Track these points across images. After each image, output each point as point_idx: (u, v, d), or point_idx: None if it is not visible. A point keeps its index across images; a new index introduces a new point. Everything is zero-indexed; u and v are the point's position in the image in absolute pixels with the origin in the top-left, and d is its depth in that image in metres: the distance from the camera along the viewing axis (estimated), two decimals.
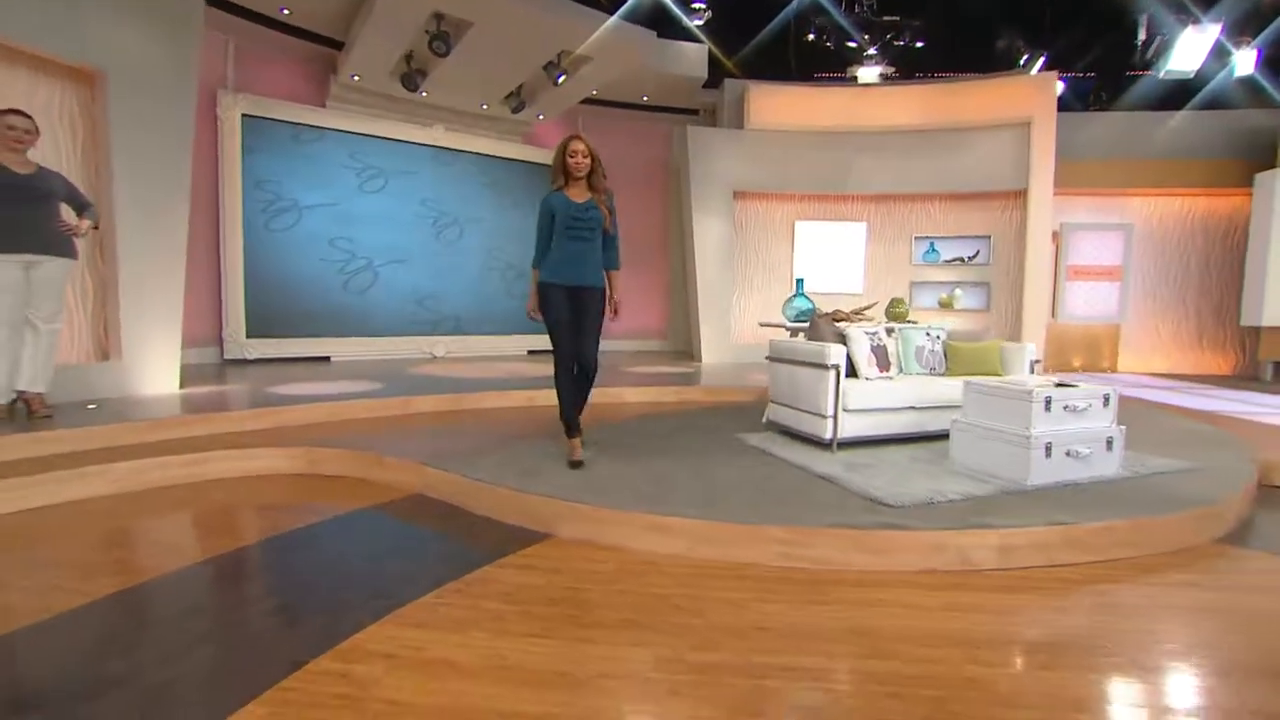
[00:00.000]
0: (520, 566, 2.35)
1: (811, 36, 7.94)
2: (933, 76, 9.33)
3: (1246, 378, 8.25)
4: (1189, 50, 6.80)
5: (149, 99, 4.46)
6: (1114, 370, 9.00)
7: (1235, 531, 2.77)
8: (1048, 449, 2.94)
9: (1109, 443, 3.11)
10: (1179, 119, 8.44)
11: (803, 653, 1.78)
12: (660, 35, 7.55)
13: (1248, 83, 7.67)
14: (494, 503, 2.87)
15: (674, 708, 1.53)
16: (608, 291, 3.29)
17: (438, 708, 1.50)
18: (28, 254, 3.48)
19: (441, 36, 6.09)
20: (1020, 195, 7.66)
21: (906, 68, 8.66)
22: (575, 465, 3.13)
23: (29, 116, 3.49)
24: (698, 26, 7.07)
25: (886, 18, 7.09)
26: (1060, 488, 2.91)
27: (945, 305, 8.31)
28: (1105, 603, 2.13)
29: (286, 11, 6.38)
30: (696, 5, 6.94)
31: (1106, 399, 3.15)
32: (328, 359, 7.51)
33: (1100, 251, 8.82)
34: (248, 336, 7.00)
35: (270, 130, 7.05)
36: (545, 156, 9.29)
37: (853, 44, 7.72)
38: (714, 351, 8.28)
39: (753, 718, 1.50)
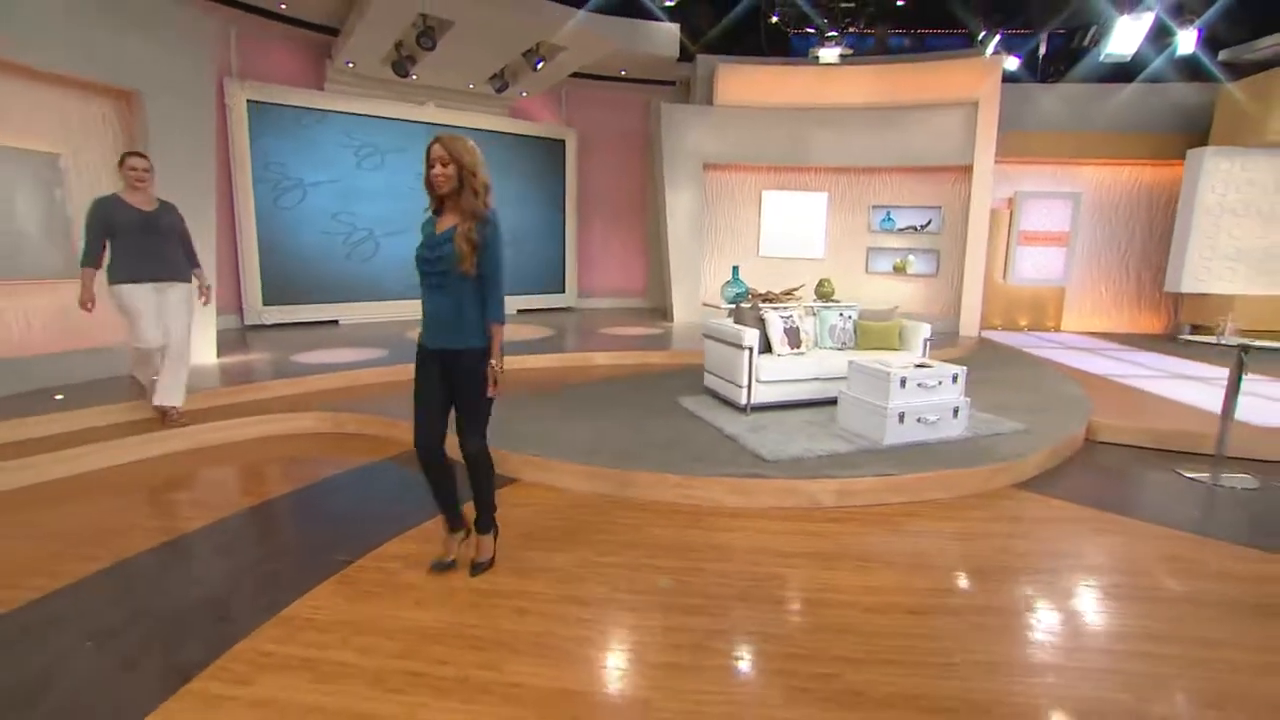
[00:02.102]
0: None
1: (774, 19, 8.35)
2: (894, 52, 9.76)
3: (1171, 337, 9.07)
4: (1125, 36, 7.27)
5: (176, 109, 5.14)
6: (1057, 329, 9.84)
7: (1033, 480, 3.69)
8: (901, 416, 3.83)
9: (955, 411, 4.01)
10: (1126, 93, 8.93)
11: (673, 557, 2.72)
12: (634, 14, 7.99)
13: (1190, 60, 8.13)
14: None
15: (582, 588, 2.47)
16: (491, 354, 2.34)
17: (439, 585, 2.45)
18: (158, 281, 3.92)
19: (427, 32, 6.63)
20: (968, 170, 8.27)
21: (870, 49, 9.09)
22: (440, 566, 2.51)
23: (145, 156, 3.89)
24: (668, 8, 7.52)
25: (844, 4, 7.51)
26: (909, 447, 3.80)
27: (899, 270, 9.06)
28: (899, 528, 3.07)
29: (283, 5, 6.88)
30: None
31: (955, 378, 4.02)
32: (336, 322, 8.37)
33: (1049, 218, 9.50)
34: (264, 304, 7.84)
35: (274, 114, 7.65)
36: (530, 129, 9.90)
37: (810, 29, 8.15)
38: (684, 312, 9.10)
39: (629, 593, 2.45)
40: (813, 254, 9.18)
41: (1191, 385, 5.79)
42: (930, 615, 2.32)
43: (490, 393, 2.38)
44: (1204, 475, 3.76)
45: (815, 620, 2.29)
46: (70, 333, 4.85)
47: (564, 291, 10.75)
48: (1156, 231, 9.45)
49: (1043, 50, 9.33)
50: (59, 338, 4.80)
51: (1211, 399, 4.93)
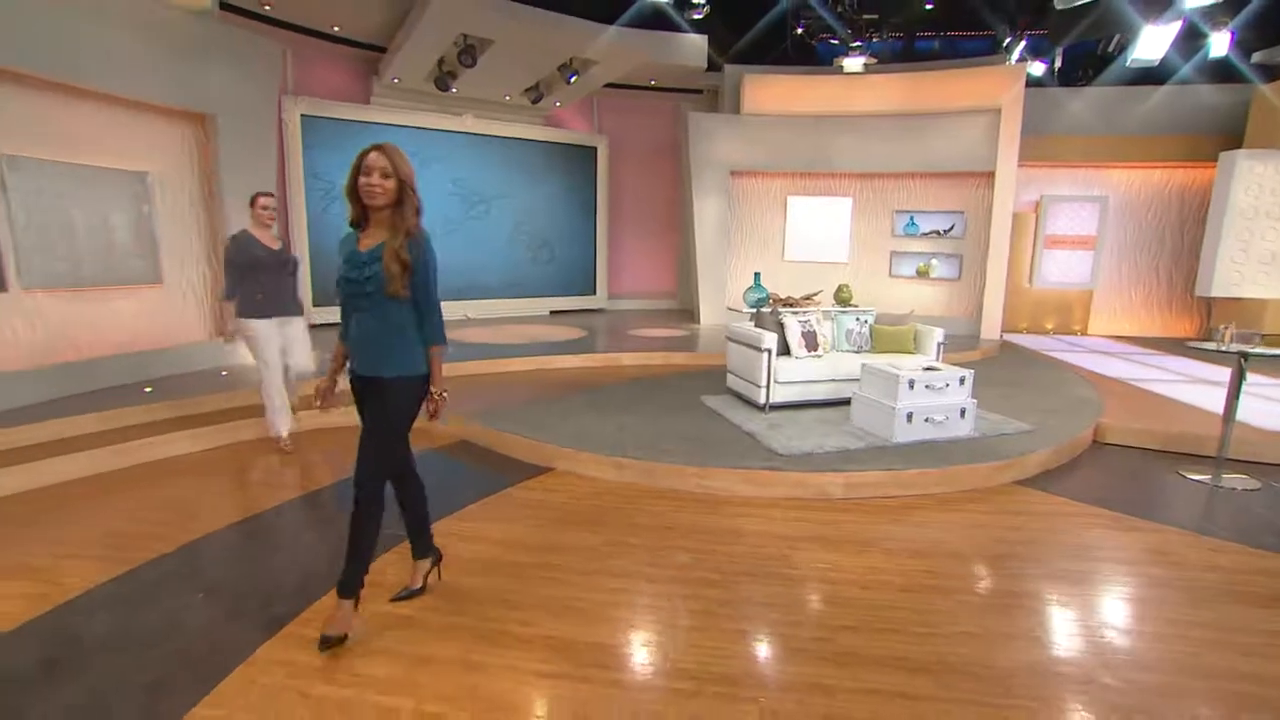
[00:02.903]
0: (530, 489, 3.64)
1: (799, 31, 8.56)
2: (923, 54, 9.87)
3: (1202, 341, 8.99)
4: (1152, 42, 7.29)
5: (243, 128, 5.65)
6: (1084, 333, 9.84)
7: (1035, 477, 3.90)
8: (909, 416, 4.07)
9: (962, 412, 4.23)
10: (1157, 96, 8.90)
11: (690, 539, 3.03)
12: (663, 27, 8.30)
13: (1222, 63, 8.08)
14: (513, 446, 4.16)
15: (609, 563, 2.81)
16: (432, 380, 2.20)
17: (480, 557, 2.81)
18: (283, 316, 4.12)
19: (468, 50, 7.06)
20: (990, 176, 8.37)
21: (893, 56, 9.23)
22: (327, 644, 2.10)
23: (274, 195, 4.13)
24: (696, 20, 7.81)
25: (866, 15, 7.70)
26: (917, 445, 4.05)
27: (922, 274, 9.19)
28: (901, 518, 3.32)
29: (337, 28, 7.39)
30: (696, 0, 7.64)
31: (962, 380, 4.24)
32: None
33: (1076, 222, 9.50)
34: (314, 305, 8.37)
35: (324, 127, 8.18)
36: (563, 136, 10.29)
37: (834, 40, 8.35)
38: (711, 315, 9.37)
39: (651, 567, 2.77)
40: (837, 258, 9.37)
41: (1212, 390, 5.85)
42: (920, 592, 2.59)
43: (431, 420, 2.25)
44: (1205, 476, 3.91)
45: (814, 594, 2.58)
46: (152, 334, 5.39)
47: (595, 293, 11.12)
48: (1189, 235, 9.38)
49: (1062, 58, 9.35)
50: (143, 338, 5.34)
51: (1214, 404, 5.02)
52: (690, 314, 10.33)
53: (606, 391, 5.51)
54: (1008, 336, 9.18)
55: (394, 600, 2.42)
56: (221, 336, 4.18)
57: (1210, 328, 9.27)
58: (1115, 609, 2.50)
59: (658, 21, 8.05)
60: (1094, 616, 2.44)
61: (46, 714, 1.85)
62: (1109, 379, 6.32)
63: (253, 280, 3.96)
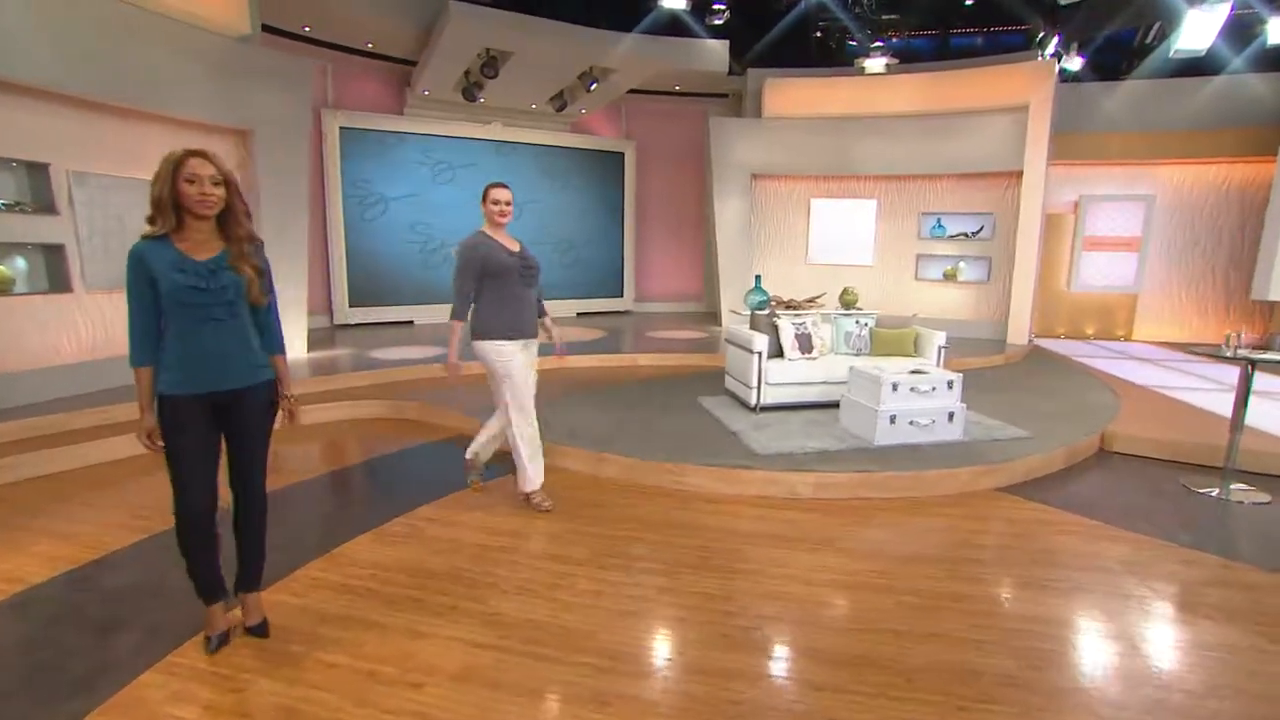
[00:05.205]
0: (513, 480, 3.83)
1: (818, 34, 8.51)
2: (956, 51, 9.62)
3: (1263, 348, 8.42)
4: (1197, 30, 6.91)
5: (279, 140, 6.12)
6: (1128, 338, 9.36)
7: (1021, 485, 3.82)
8: (892, 419, 4.07)
9: (950, 416, 4.18)
10: (1211, 86, 8.40)
11: (652, 532, 3.15)
12: (684, 33, 8.42)
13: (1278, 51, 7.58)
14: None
15: (568, 549, 2.96)
16: (279, 386, 2.19)
17: (449, 539, 3.01)
18: (529, 337, 3.27)
19: (490, 63, 7.39)
20: (1019, 175, 8.10)
21: (928, 54, 9.04)
22: (221, 641, 2.16)
23: (507, 186, 3.23)
24: (717, 25, 7.90)
25: (885, 16, 7.60)
26: (899, 448, 4.03)
27: (950, 277, 8.96)
28: (867, 520, 3.34)
29: (370, 45, 7.86)
30: (717, 6, 7.74)
31: (950, 383, 4.19)
32: (411, 323, 9.34)
33: (1118, 222, 9.06)
34: (350, 306, 8.90)
35: (362, 137, 8.69)
36: (591, 142, 10.54)
37: (853, 42, 8.26)
38: (733, 318, 9.40)
39: (605, 555, 2.91)
40: (862, 261, 9.25)
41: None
42: (862, 591, 2.64)
43: (288, 424, 2.24)
44: (1213, 489, 3.75)
45: (754, 588, 2.66)
46: None
47: (622, 296, 11.32)
48: (1250, 234, 8.79)
49: (1098, 51, 8.92)
50: None
51: (1254, 415, 4.74)
52: (712, 316, 10.38)
53: (611, 391, 5.68)
54: (1041, 341, 8.85)
55: (259, 635, 2.23)
56: (446, 372, 3.28)
57: (1271, 334, 8.67)
58: (1053, 616, 2.48)
59: (677, 28, 8.18)
60: (1027, 622, 2.43)
61: (87, 637, 2.16)
62: (1136, 386, 6.05)
63: (492, 293, 3.15)
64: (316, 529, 3.22)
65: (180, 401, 1.98)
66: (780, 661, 2.17)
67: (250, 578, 2.26)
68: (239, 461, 2.15)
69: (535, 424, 3.32)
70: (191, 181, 1.91)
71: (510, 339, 3.18)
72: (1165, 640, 2.33)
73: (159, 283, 1.91)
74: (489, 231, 3.22)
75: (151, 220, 1.94)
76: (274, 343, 2.19)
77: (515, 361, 3.18)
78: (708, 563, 2.85)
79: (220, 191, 1.97)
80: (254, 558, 2.26)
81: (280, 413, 2.21)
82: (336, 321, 8.88)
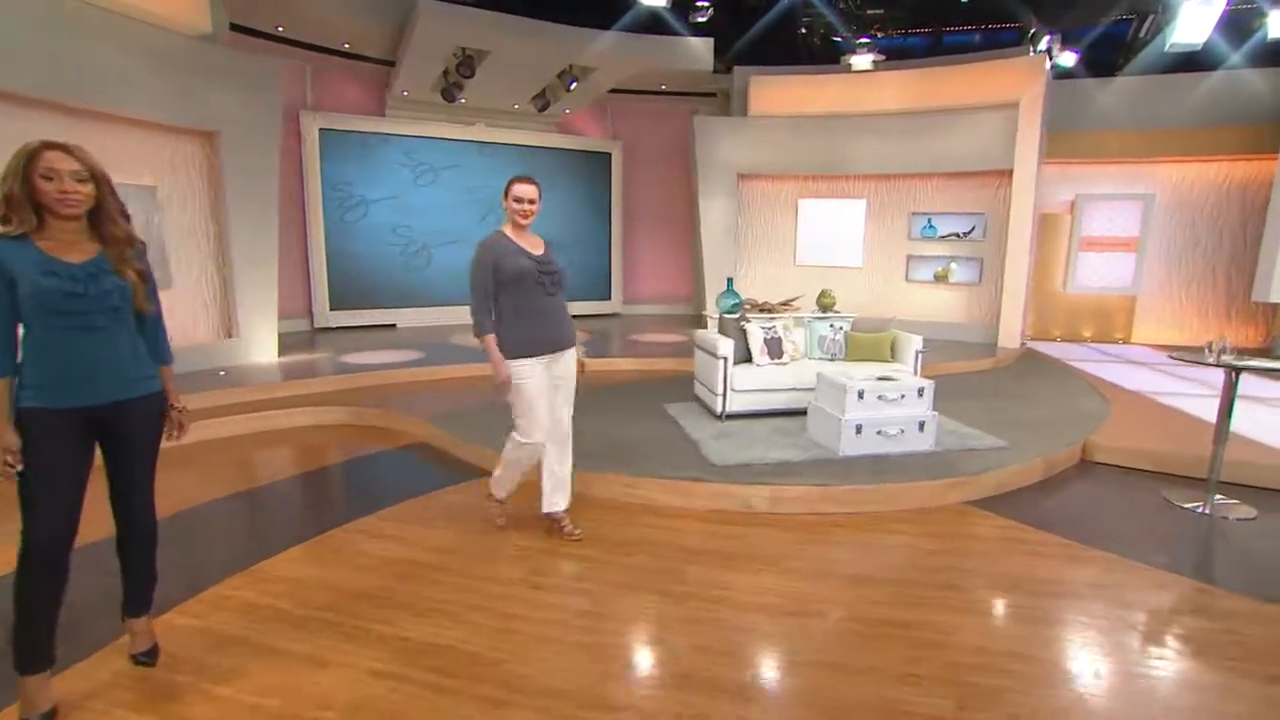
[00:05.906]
0: (460, 492, 3.69)
1: (803, 30, 8.34)
2: (933, 54, 9.41)
3: (1265, 351, 8.17)
4: (1194, 23, 6.69)
5: (247, 143, 6.02)
6: (1126, 341, 9.10)
7: (991, 498, 3.63)
8: (858, 428, 3.89)
9: (921, 425, 4.00)
10: (1210, 82, 8.15)
11: (591, 548, 3.00)
12: (667, 31, 8.27)
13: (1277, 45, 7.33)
14: (467, 450, 4.22)
15: (497, 568, 2.82)
16: (167, 398, 2.05)
17: (378, 554, 2.87)
18: (556, 351, 2.94)
19: (466, 62, 7.26)
20: (1010, 174, 7.89)
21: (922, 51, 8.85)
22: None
23: (532, 182, 2.85)
24: (701, 23, 7.75)
25: (870, 11, 7.41)
26: (866, 458, 3.85)
27: (941, 278, 8.75)
28: (820, 536, 3.17)
29: (347, 45, 7.77)
30: (701, 4, 7.59)
31: (921, 391, 4.01)
32: (394, 325, 9.23)
33: (1116, 222, 8.82)
34: (330, 309, 8.80)
35: (342, 139, 8.60)
36: (577, 143, 10.40)
37: (838, 39, 8.08)
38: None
39: (534, 574, 2.76)
40: (851, 262, 9.05)
41: (1245, 407, 5.29)
42: (796, 617, 2.47)
43: (179, 438, 2.10)
44: (1195, 504, 3.55)
45: (684, 613, 2.49)
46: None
47: (610, 298, 11.17)
48: (1252, 234, 8.52)
49: (1090, 47, 8.68)
50: None
51: (1247, 423, 4.53)
52: (704, 320, 10.21)
53: (580, 398, 5.50)
54: (1035, 344, 8.61)
55: (149, 664, 2.09)
56: (495, 387, 2.89)
57: (1274, 337, 8.40)
58: (1004, 649, 2.31)
59: (660, 26, 8.03)
60: (974, 654, 2.26)
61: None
62: (1128, 391, 5.83)
63: (510, 301, 2.84)
64: (243, 542, 3.09)
65: (44, 415, 1.78)
66: (697, 697, 2.01)
67: (138, 602, 2.10)
68: (121, 481, 1.98)
69: (537, 448, 3.00)
70: (49, 178, 1.74)
71: (528, 356, 2.85)
72: (1124, 676, 2.15)
73: (19, 285, 1.72)
74: (508, 232, 2.88)
75: (5, 219, 1.74)
76: (162, 353, 2.06)
77: (530, 381, 2.86)
78: (643, 584, 2.70)
79: (87, 189, 1.80)
80: (143, 580, 2.09)
81: (168, 426, 2.06)
82: (317, 325, 8.78)
